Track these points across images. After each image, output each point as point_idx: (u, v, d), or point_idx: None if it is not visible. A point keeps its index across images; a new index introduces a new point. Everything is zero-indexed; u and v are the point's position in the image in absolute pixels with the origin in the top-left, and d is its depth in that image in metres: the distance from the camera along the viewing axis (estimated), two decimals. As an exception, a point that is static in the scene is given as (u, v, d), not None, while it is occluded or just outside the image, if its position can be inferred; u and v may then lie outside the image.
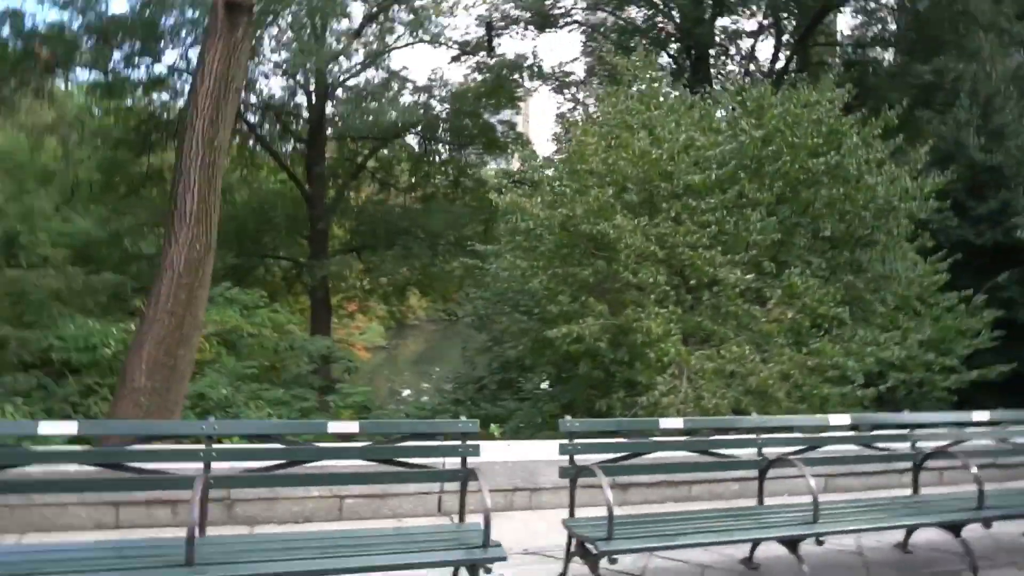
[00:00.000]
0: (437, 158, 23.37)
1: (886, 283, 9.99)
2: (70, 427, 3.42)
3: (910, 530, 4.79)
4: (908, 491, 5.33)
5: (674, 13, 19.71)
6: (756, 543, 4.47)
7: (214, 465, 3.69)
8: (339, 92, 21.08)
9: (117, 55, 18.49)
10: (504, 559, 3.57)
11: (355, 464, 4.40)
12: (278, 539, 3.57)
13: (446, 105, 22.09)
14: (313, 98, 20.72)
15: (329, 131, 21.44)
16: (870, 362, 8.59)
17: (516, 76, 22.01)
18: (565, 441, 4.21)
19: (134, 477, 3.59)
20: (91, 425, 3.78)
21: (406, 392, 27.67)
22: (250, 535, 3.72)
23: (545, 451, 5.65)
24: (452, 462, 4.17)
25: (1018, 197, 12.77)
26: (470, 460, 4.08)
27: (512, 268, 9.69)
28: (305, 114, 21.42)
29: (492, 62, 22.07)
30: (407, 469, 3.97)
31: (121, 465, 3.58)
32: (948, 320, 10.09)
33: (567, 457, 4.23)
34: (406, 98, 21.73)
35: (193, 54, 19.44)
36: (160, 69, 19.60)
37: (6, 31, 16.61)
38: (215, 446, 3.69)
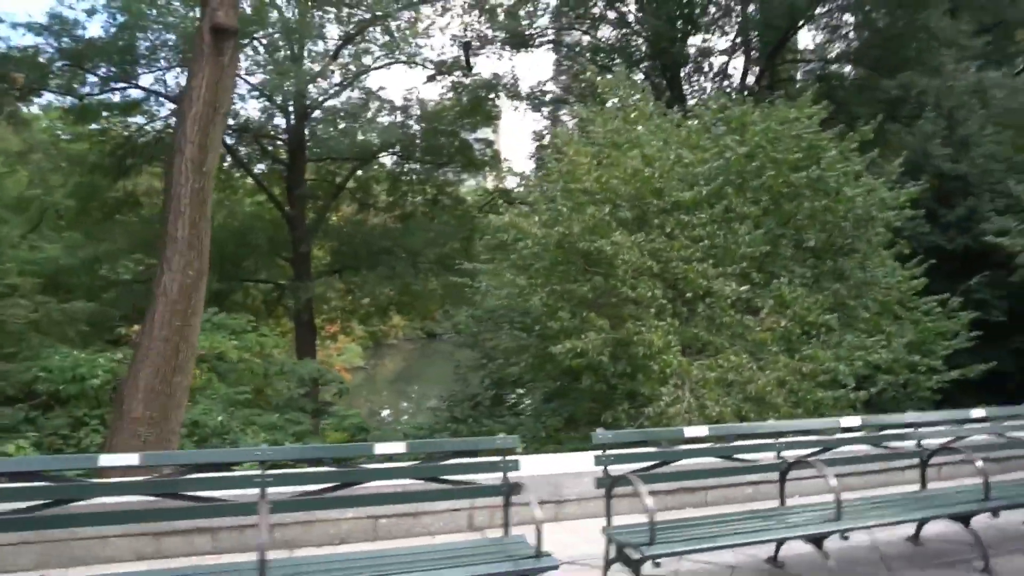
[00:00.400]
0: (415, 177, 23.50)
1: (867, 289, 10.41)
2: (131, 459, 3.49)
3: (921, 523, 5.05)
4: (908, 487, 5.61)
5: (646, 32, 20.23)
6: (781, 542, 4.68)
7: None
8: (317, 113, 21.13)
9: (92, 79, 18.33)
10: (556, 567, 3.71)
11: (393, 484, 4.52)
12: (339, 559, 3.67)
13: (423, 124, 22.27)
14: (292, 120, 20.75)
15: (307, 152, 21.46)
16: (859, 366, 8.95)
17: (493, 95, 22.32)
18: (599, 453, 4.37)
19: (194, 505, 3.67)
20: (151, 457, 3.83)
21: (385, 412, 27.54)
22: (313, 556, 3.81)
23: (567, 464, 5.83)
24: (490, 478, 4.32)
25: (984, 203, 13.40)
26: (511, 475, 4.24)
27: (509, 286, 9.88)
28: (283, 136, 21.41)
29: (468, 81, 22.38)
30: (452, 487, 4.11)
31: (178, 494, 3.66)
32: (927, 323, 10.53)
33: (601, 468, 4.39)
34: (384, 118, 21.89)
35: (170, 77, 19.41)
36: (135, 93, 19.49)
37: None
38: (269, 472, 3.79)
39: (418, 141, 22.17)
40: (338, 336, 25.24)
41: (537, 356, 9.10)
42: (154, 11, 17.32)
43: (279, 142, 21.73)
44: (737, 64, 21.80)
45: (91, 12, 17.28)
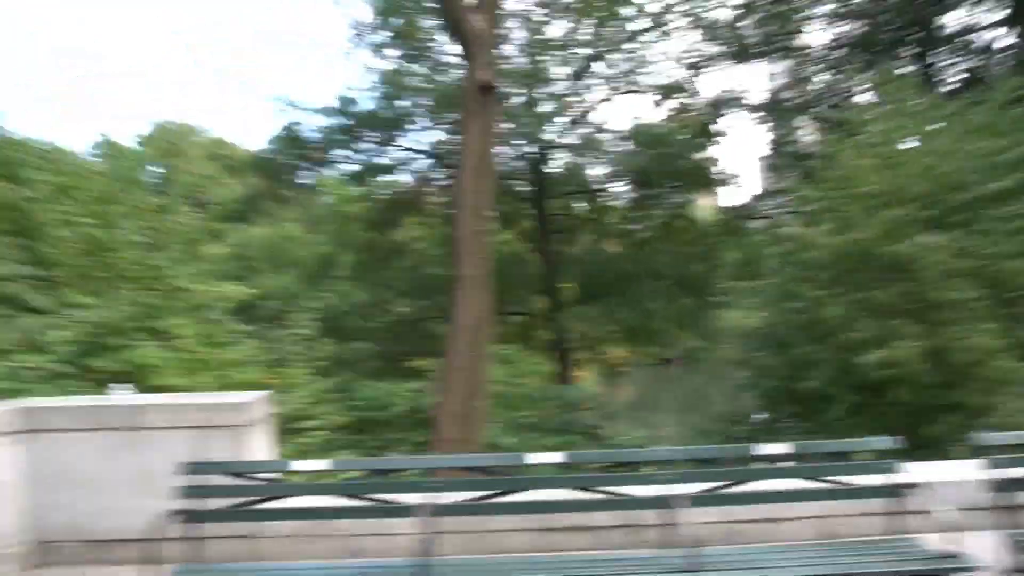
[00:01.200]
0: (649, 202, 23.77)
1: None
2: (557, 457, 4.09)
3: None
4: None
5: (894, 18, 18.77)
6: None
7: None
8: (553, 151, 22.38)
9: (366, 146, 21.22)
10: (977, 568, 3.66)
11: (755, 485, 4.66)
12: (751, 551, 3.96)
13: (653, 150, 22.53)
14: (532, 160, 22.17)
15: (547, 189, 22.75)
16: None
17: (721, 112, 22.06)
18: (994, 456, 4.21)
19: (606, 499, 4.18)
20: (574, 455, 4.43)
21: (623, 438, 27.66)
22: (730, 549, 4.12)
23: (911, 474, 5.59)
24: (868, 480, 4.32)
25: None
26: (893, 477, 4.23)
27: (792, 298, 9.68)
28: (524, 175, 22.91)
29: (695, 101, 22.35)
30: (839, 487, 4.21)
31: (592, 488, 4.20)
32: None
33: (992, 472, 4.21)
34: (614, 147, 22.54)
35: (423, 136, 21.85)
36: (398, 153, 22.14)
37: (286, 142, 19.79)
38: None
39: (650, 166, 22.46)
40: (585, 363, 26.08)
41: (838, 368, 8.79)
42: (415, 79, 19.68)
43: (522, 182, 23.26)
44: (1001, 37, 19.35)
45: (365, 90, 20.11)
